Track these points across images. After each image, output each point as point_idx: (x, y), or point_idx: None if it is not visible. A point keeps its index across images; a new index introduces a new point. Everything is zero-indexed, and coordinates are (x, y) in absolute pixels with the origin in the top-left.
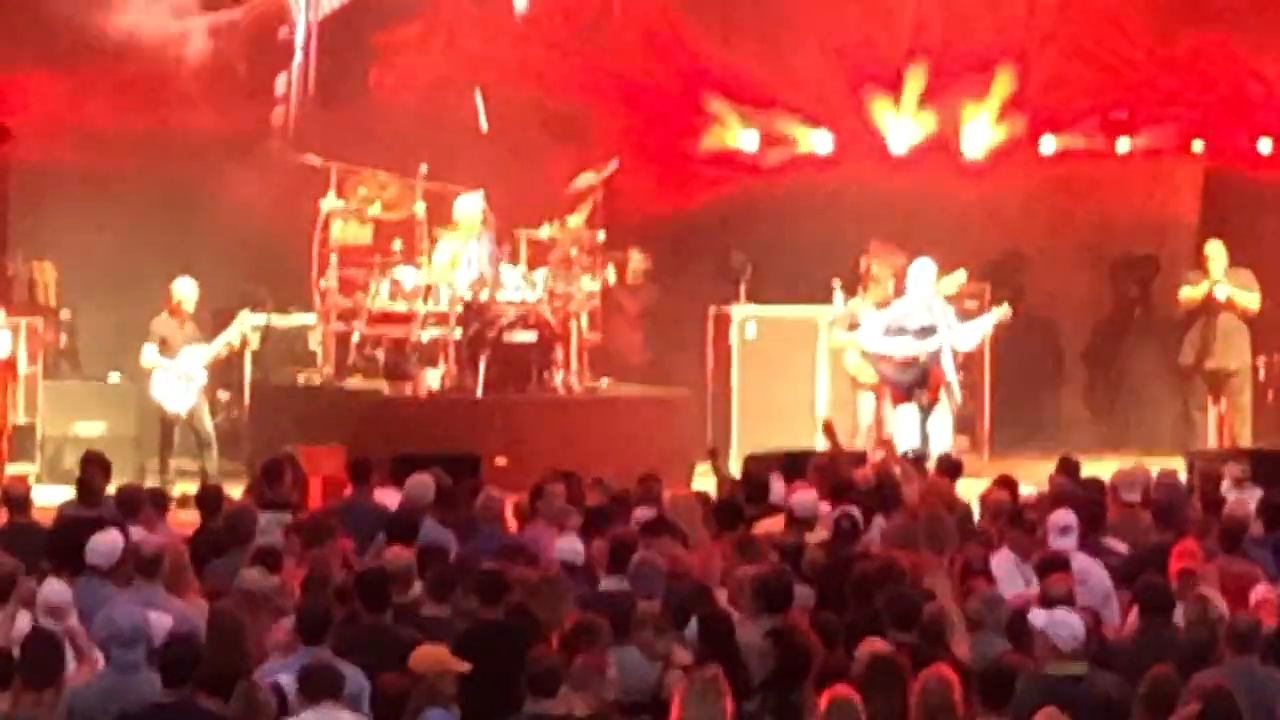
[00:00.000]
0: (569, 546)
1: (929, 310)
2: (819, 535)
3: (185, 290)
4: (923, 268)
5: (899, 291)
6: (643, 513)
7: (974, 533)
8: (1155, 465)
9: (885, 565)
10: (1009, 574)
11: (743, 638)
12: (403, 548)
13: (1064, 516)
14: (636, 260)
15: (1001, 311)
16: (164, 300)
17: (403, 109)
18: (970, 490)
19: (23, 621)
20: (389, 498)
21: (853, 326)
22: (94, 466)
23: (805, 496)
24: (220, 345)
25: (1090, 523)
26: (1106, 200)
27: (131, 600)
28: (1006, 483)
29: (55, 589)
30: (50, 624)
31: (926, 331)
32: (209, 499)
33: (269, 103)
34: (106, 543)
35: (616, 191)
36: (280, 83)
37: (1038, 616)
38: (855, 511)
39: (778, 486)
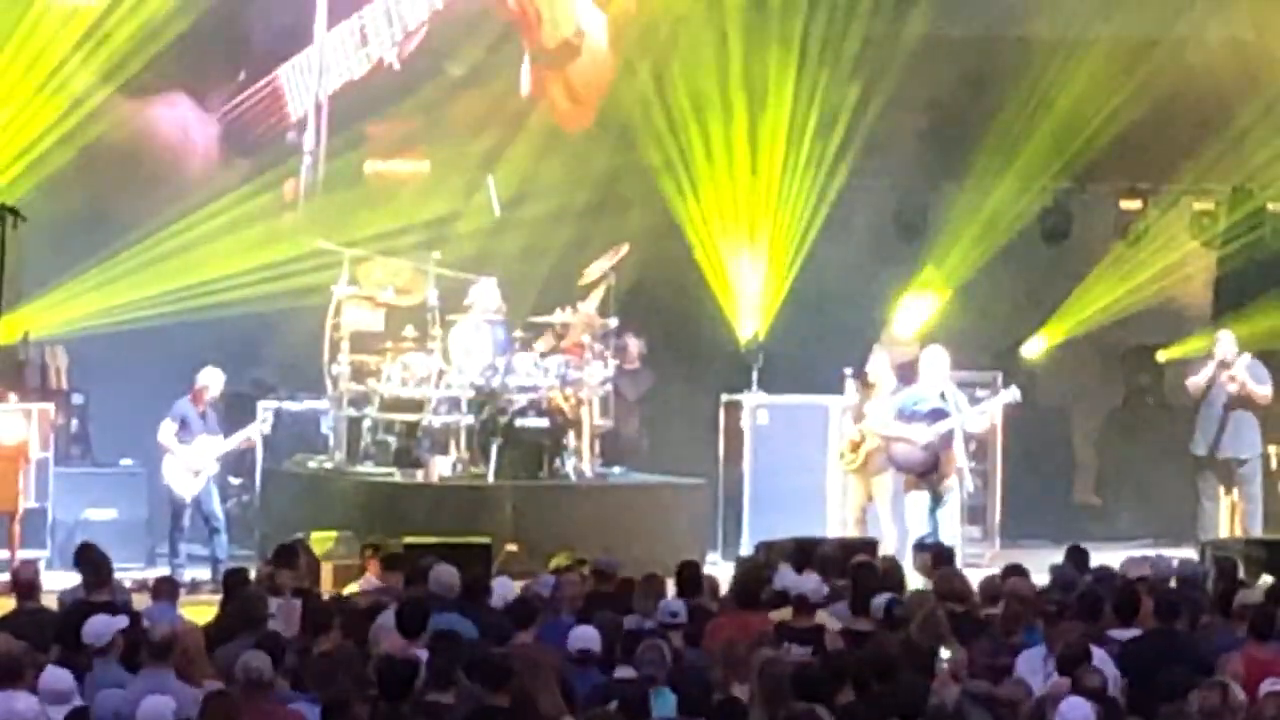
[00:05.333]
0: (584, 634)
1: (941, 397)
2: (830, 623)
3: (211, 380)
4: (935, 355)
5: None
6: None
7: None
8: (1169, 554)
9: (907, 652)
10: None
11: None
12: (408, 640)
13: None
14: (634, 345)
15: (1010, 394)
16: (186, 386)
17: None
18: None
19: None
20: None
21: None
22: (89, 555)
23: (808, 581)
24: (236, 441)
25: (1093, 612)
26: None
27: (141, 685)
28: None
29: (56, 675)
30: (54, 711)
31: (938, 415)
32: (235, 583)
33: (278, 194)
34: (101, 624)
35: (623, 276)
36: (288, 187)
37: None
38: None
39: (788, 575)
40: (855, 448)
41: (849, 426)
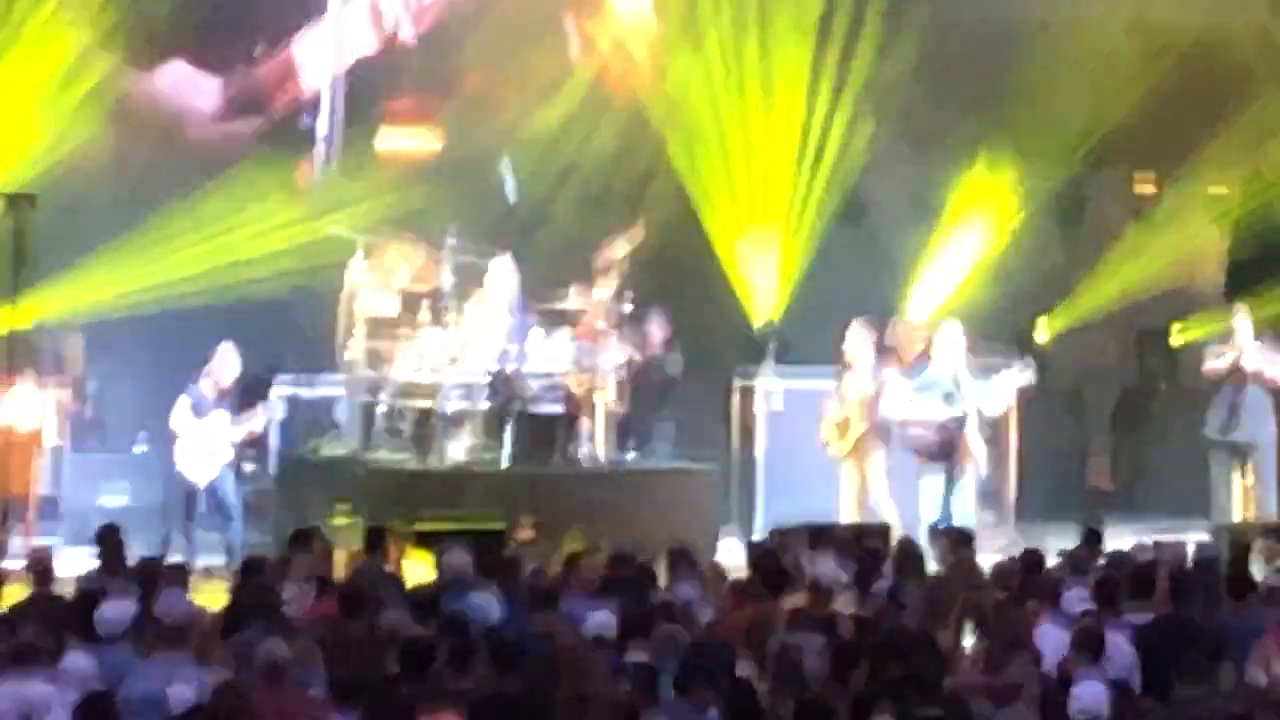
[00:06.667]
0: (601, 619)
1: (955, 377)
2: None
3: (224, 363)
4: (951, 331)
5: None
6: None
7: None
8: (1184, 536)
9: (917, 636)
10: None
11: None
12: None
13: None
14: (658, 331)
15: (1026, 372)
16: (200, 370)
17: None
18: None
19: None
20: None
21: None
22: (111, 537)
23: (826, 565)
24: (245, 428)
25: (1109, 594)
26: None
27: (155, 670)
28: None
29: (75, 659)
30: (72, 695)
31: (951, 397)
32: (253, 569)
33: (292, 171)
34: (115, 610)
35: (639, 259)
36: (303, 170)
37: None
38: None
39: (803, 559)
40: (843, 431)
41: (831, 408)
